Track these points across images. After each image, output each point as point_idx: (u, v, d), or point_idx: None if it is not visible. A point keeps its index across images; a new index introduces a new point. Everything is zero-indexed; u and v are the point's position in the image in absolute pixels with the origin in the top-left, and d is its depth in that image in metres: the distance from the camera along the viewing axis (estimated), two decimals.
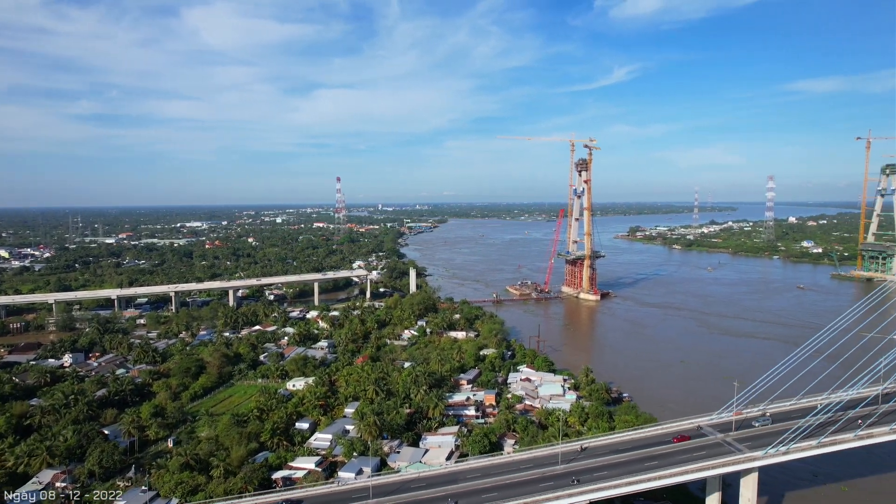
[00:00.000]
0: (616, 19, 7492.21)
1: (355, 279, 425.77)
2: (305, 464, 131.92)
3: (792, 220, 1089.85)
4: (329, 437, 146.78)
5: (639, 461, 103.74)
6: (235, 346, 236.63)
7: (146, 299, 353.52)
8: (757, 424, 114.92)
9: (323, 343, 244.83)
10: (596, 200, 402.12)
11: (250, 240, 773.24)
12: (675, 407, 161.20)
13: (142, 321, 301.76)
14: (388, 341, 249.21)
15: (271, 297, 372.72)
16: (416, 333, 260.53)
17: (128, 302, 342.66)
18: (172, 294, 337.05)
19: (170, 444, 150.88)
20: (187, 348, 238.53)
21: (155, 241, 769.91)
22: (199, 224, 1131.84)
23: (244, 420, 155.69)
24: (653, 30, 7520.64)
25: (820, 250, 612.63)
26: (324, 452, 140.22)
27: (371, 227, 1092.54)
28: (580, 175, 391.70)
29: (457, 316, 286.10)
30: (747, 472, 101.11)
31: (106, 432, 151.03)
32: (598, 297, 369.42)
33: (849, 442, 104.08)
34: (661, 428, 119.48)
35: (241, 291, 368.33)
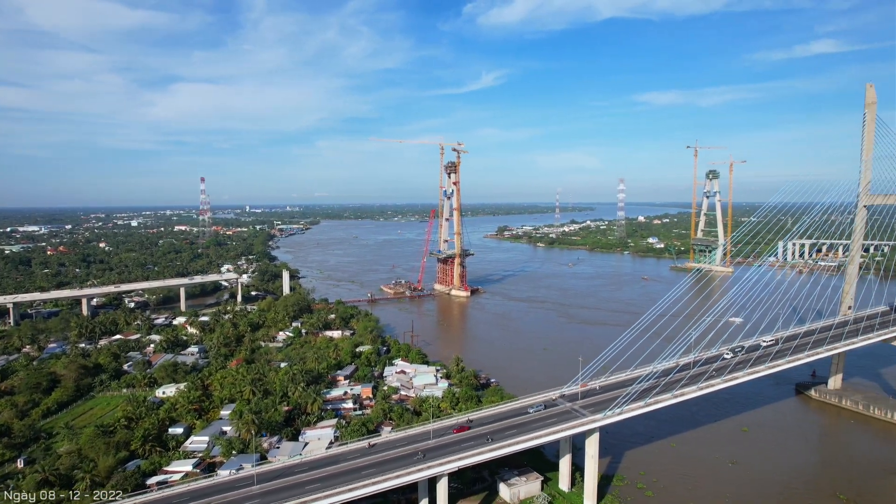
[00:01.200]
0: (483, 26, 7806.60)
1: (224, 283, 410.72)
2: (182, 467, 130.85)
3: (641, 218, 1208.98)
4: (206, 439, 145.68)
5: (500, 431, 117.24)
6: (94, 356, 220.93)
7: None
8: (532, 411, 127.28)
9: (193, 349, 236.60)
10: (466, 201, 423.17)
11: (102, 244, 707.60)
12: (537, 388, 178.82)
13: None
14: (263, 343, 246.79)
15: (132, 305, 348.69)
16: (291, 335, 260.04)
17: None
18: (10, 305, 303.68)
19: (20, 464, 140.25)
20: (34, 363, 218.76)
21: None
22: (36, 228, 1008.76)
23: (111, 430, 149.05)
24: (518, 38, 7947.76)
25: (662, 246, 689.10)
26: (201, 454, 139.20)
27: (239, 229, 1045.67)
28: (449, 177, 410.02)
29: (332, 316, 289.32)
30: (590, 432, 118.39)
31: None
32: (469, 294, 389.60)
33: (667, 400, 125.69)
34: (518, 403, 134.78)
35: (95, 300, 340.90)
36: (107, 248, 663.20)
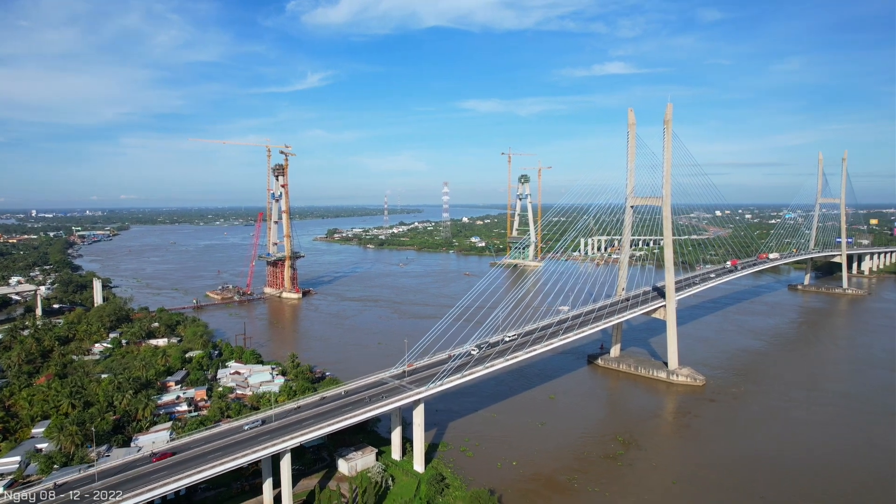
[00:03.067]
0: (308, 25, 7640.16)
1: (16, 297, 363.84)
2: None
3: (465, 219, 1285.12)
4: (17, 458, 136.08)
5: (337, 409, 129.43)
6: None
7: None
8: (247, 428, 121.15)
9: None
10: (295, 204, 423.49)
11: None
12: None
13: None
14: (76, 357, 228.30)
15: None
16: (109, 346, 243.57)
17: None
18: None
19: None
20: None
21: None
22: None
23: None
24: (344, 40, 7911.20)
25: (484, 244, 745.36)
26: (12, 476, 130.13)
27: (26, 236, 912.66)
28: (277, 179, 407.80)
29: (156, 324, 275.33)
30: (416, 403, 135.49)
31: None
32: (300, 295, 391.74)
33: (480, 371, 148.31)
34: (351, 385, 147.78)
35: None
36: None
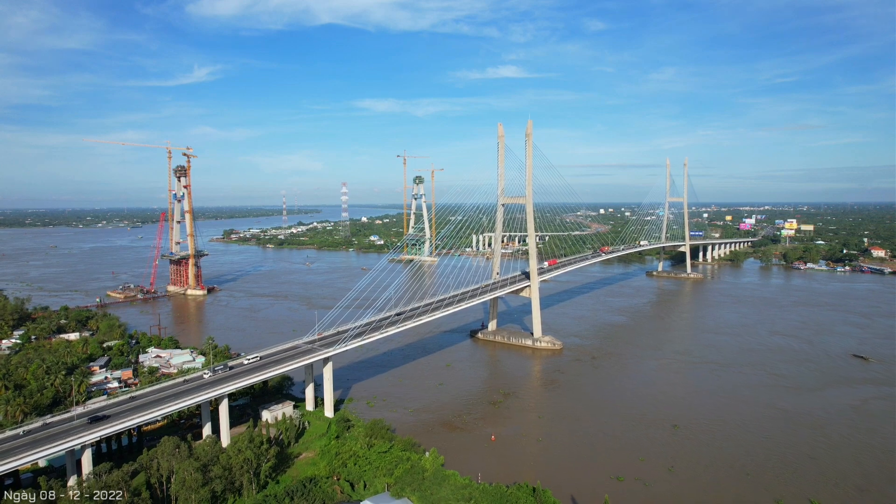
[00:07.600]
0: (194, 16, 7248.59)
1: None
2: None
3: (364, 219, 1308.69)
4: None
5: (263, 367, 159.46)
6: None
7: None
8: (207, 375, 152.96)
9: None
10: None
11: None
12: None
13: None
14: None
15: None
16: (18, 341, 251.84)
17: None
18: None
19: None
20: None
21: None
22: None
23: None
24: (233, 34, 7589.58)
25: (382, 242, 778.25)
26: None
27: None
28: (180, 181, 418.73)
29: (64, 320, 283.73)
30: (326, 361, 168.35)
31: None
32: (205, 292, 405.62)
33: (376, 336, 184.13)
34: (272, 349, 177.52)
35: None
36: None
